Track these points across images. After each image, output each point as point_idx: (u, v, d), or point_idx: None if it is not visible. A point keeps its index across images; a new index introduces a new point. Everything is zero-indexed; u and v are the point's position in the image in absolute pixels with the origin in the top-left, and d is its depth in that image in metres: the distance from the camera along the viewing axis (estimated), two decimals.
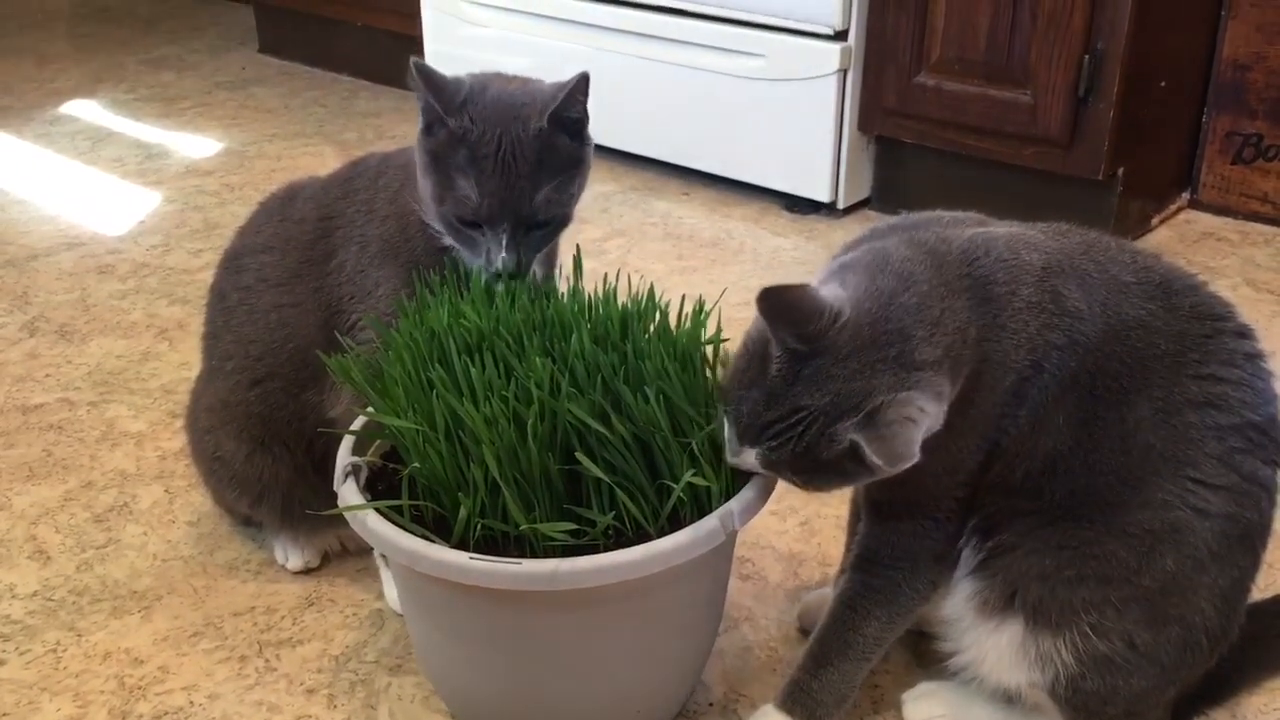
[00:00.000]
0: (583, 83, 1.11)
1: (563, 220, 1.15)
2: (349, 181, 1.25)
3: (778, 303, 0.90)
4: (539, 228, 1.13)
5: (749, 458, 0.95)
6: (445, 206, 1.11)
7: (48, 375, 1.78)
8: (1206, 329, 0.97)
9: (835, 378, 0.89)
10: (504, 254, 1.10)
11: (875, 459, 0.88)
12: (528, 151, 1.09)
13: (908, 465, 0.88)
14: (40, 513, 1.46)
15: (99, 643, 1.25)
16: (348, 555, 1.37)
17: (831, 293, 0.93)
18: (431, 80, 1.10)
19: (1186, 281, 1.00)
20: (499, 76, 1.15)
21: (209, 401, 1.31)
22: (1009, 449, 0.97)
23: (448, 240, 1.17)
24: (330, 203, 1.24)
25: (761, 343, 0.94)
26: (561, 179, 1.12)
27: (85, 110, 3.02)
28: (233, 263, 1.31)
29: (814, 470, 0.93)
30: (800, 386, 0.90)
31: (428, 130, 1.12)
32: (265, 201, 1.33)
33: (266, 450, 1.28)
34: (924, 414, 0.88)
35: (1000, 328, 0.94)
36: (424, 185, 1.13)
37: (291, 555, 1.34)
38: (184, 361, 1.80)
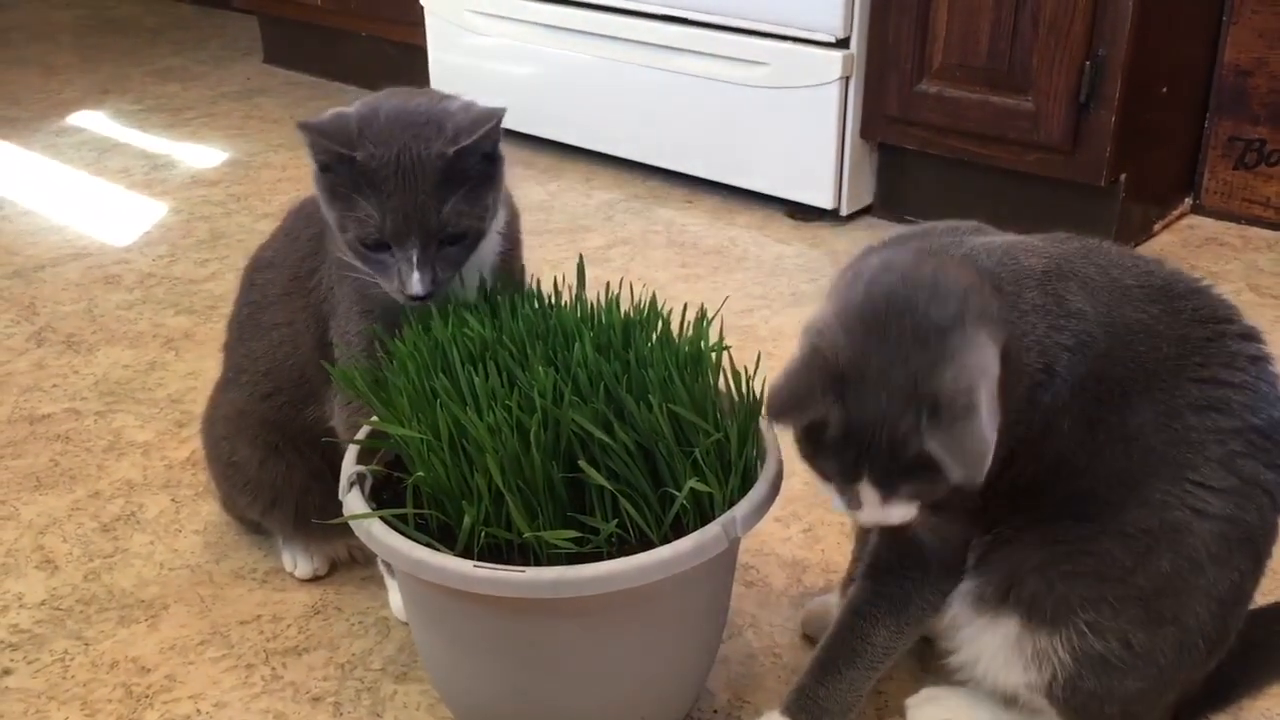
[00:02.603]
0: (497, 122, 1.07)
1: (477, 234, 1.10)
2: None
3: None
4: (451, 243, 1.08)
5: (869, 497, 0.93)
6: (349, 234, 1.07)
7: (55, 385, 1.79)
8: (1209, 332, 0.96)
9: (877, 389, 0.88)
10: (416, 272, 1.05)
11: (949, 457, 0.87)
12: (429, 167, 1.04)
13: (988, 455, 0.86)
14: (48, 522, 1.47)
15: (106, 651, 1.25)
16: (354, 564, 1.38)
17: (822, 339, 0.92)
18: (319, 129, 1.06)
19: (1189, 285, 0.99)
20: (395, 93, 1.12)
21: (226, 410, 1.33)
22: (1018, 454, 0.97)
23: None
24: (320, 219, 1.24)
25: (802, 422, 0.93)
26: (469, 191, 1.07)
27: (92, 121, 3.03)
28: (247, 277, 1.32)
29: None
30: (854, 414, 0.89)
31: (324, 169, 1.08)
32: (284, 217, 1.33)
33: (281, 456, 1.29)
34: (984, 373, 0.86)
35: (1011, 324, 0.93)
36: (328, 220, 1.11)
37: (300, 562, 1.35)
38: (190, 371, 1.81)
